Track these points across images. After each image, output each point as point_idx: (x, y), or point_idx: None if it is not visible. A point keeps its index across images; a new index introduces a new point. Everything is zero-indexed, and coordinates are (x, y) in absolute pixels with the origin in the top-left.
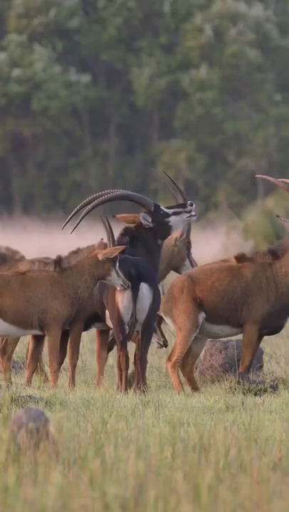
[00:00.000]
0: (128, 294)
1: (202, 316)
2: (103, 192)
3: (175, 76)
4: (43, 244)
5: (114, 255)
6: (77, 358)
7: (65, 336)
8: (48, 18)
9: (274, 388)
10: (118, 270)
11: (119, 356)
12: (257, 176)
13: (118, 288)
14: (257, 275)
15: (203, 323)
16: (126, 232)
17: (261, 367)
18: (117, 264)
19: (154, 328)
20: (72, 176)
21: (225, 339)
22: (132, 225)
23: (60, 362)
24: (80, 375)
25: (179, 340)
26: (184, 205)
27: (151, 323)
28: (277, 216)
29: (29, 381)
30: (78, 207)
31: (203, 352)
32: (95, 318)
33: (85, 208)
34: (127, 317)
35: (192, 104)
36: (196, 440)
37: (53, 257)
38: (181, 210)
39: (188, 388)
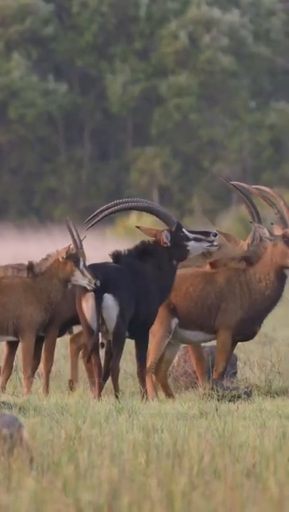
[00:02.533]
0: (91, 303)
1: (175, 321)
2: (129, 199)
3: (149, 82)
4: (17, 251)
5: (74, 256)
6: (52, 364)
7: (39, 342)
8: (23, 26)
9: (248, 394)
10: (83, 269)
11: (93, 364)
12: (231, 182)
13: (88, 288)
14: (231, 281)
15: (176, 329)
16: (141, 245)
17: (235, 373)
18: (81, 263)
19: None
20: (46, 183)
21: (202, 345)
22: (151, 239)
23: (34, 368)
24: (54, 381)
25: (152, 346)
26: (207, 234)
27: (121, 332)
28: (251, 222)
29: (3, 387)
30: (101, 209)
31: (177, 358)
32: (69, 324)
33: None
34: (94, 325)
35: (169, 110)
36: (169, 446)
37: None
38: (203, 237)
39: (162, 394)
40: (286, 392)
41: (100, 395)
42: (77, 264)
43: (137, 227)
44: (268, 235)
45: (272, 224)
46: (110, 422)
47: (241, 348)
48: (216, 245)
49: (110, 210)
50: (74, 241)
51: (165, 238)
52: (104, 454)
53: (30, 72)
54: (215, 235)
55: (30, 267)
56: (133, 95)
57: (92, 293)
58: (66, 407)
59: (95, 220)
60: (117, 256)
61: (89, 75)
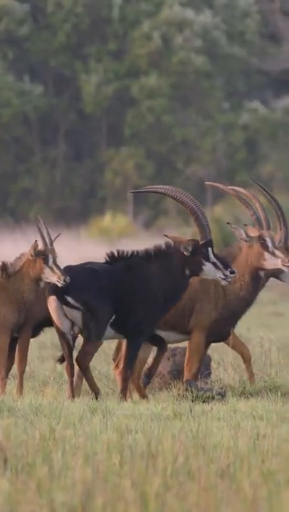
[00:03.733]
0: (53, 305)
1: None
2: (182, 192)
3: (123, 83)
4: None
5: (43, 253)
6: (26, 365)
7: (12, 342)
8: None
9: (222, 395)
10: (52, 266)
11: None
12: (207, 183)
13: (58, 285)
14: (205, 282)
15: None
16: (154, 247)
17: (209, 374)
18: (51, 260)
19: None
20: (21, 183)
21: (172, 346)
22: (168, 244)
23: (8, 369)
24: (28, 381)
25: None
26: (227, 267)
27: (93, 331)
28: (228, 223)
29: None
30: (153, 187)
31: (151, 359)
32: (42, 325)
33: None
34: (61, 327)
35: (142, 111)
36: (143, 447)
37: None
38: (221, 268)
39: (136, 395)
40: (260, 393)
41: (73, 395)
42: (46, 261)
43: (165, 235)
44: (244, 236)
45: (245, 225)
46: (84, 423)
47: (215, 349)
48: (229, 282)
49: (161, 190)
50: (43, 238)
51: (187, 247)
52: (78, 454)
53: (6, 72)
54: (232, 272)
55: (4, 267)
56: (107, 95)
57: (54, 296)
58: (40, 407)
59: (141, 190)
60: (112, 257)
61: (63, 75)
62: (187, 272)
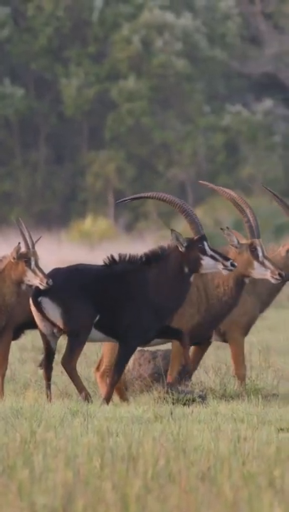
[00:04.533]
0: (33, 307)
1: None
2: (166, 195)
3: (104, 86)
4: None
5: (25, 256)
6: (6, 368)
7: None
8: None
9: (203, 398)
10: (35, 269)
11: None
12: (200, 181)
13: (41, 287)
14: None
15: None
16: (154, 249)
17: (190, 377)
18: (33, 263)
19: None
20: (1, 186)
21: (153, 349)
22: (171, 244)
23: None
24: (8, 384)
25: (106, 349)
26: (227, 259)
27: (74, 333)
28: (222, 229)
29: None
30: (140, 195)
31: (131, 362)
32: (24, 327)
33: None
34: (42, 329)
35: (121, 114)
36: (124, 450)
37: None
38: (221, 259)
39: (116, 398)
40: (241, 396)
41: (50, 397)
42: (28, 264)
43: (172, 230)
44: (235, 242)
45: (227, 228)
46: (65, 426)
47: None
48: (231, 270)
49: (146, 195)
50: (25, 241)
51: (182, 242)
52: (59, 457)
53: None
54: (233, 265)
55: None
56: (87, 99)
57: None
58: (21, 410)
59: (127, 199)
60: (112, 260)
61: (44, 79)
62: (186, 269)
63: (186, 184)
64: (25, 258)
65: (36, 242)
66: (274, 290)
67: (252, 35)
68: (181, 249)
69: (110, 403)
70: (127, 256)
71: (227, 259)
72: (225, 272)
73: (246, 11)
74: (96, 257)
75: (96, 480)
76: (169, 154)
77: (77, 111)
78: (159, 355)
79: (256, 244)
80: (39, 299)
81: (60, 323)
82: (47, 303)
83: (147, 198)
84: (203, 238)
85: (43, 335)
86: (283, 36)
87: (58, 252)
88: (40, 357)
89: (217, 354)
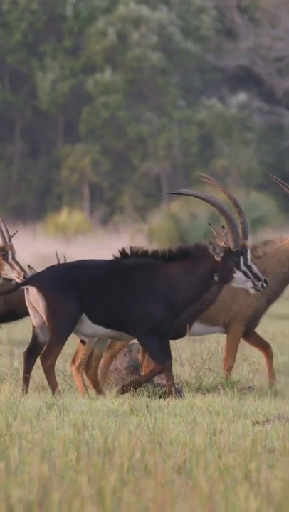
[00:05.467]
0: (27, 299)
1: None
2: (218, 200)
3: (78, 80)
4: None
5: (3, 250)
6: None
7: None
8: None
9: (178, 391)
10: (12, 263)
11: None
12: (200, 174)
13: (18, 281)
14: None
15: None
16: (191, 246)
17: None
18: (10, 256)
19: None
20: None
21: (129, 342)
22: (207, 244)
23: None
24: None
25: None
26: (258, 278)
27: (55, 326)
28: (223, 227)
29: None
30: (192, 192)
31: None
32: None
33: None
34: (34, 320)
35: (97, 107)
36: (100, 443)
37: None
38: (252, 277)
39: (92, 391)
40: (216, 389)
41: (26, 391)
42: (5, 257)
43: (209, 224)
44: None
45: (209, 224)
46: (41, 419)
47: (172, 345)
48: (259, 290)
49: (197, 195)
50: (2, 234)
51: (218, 251)
52: (34, 450)
53: None
54: (263, 287)
55: None
56: (62, 92)
57: (27, 288)
58: None
59: (177, 192)
60: (123, 253)
61: (19, 73)
62: (216, 277)
63: (161, 177)
64: (3, 252)
65: (13, 236)
66: (285, 282)
67: (227, 28)
68: (217, 258)
69: (86, 396)
70: (141, 250)
71: (259, 278)
72: (252, 291)
73: (221, 4)
74: (72, 250)
75: (72, 473)
76: (144, 147)
77: (53, 105)
78: (135, 349)
79: (247, 246)
80: (28, 287)
81: (44, 316)
82: (33, 293)
83: (201, 198)
84: (241, 252)
85: (33, 326)
86: (258, 29)
87: (33, 245)
88: (16, 350)
89: (193, 347)
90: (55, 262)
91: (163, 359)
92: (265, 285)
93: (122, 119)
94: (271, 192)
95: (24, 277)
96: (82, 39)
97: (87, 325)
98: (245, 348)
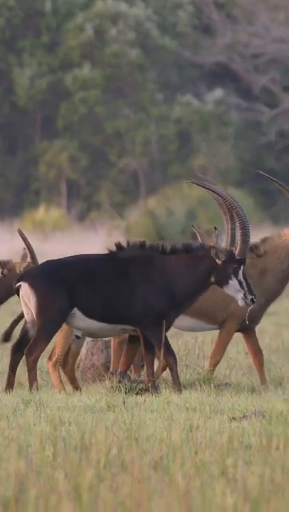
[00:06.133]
0: (20, 294)
1: None
2: (236, 203)
3: (56, 76)
4: None
5: None
6: None
7: None
8: None
9: (155, 388)
10: None
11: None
12: (200, 183)
13: None
14: None
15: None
16: (192, 243)
17: (142, 366)
18: None
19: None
20: None
21: (107, 338)
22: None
23: None
24: None
25: (59, 339)
26: (252, 293)
27: (43, 321)
28: (216, 228)
29: None
30: (214, 187)
31: (84, 351)
32: None
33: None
34: (26, 316)
35: (75, 103)
36: (77, 439)
37: None
38: (245, 290)
39: (69, 387)
40: (193, 385)
41: (10, 387)
42: None
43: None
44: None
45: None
46: (18, 415)
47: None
48: (248, 305)
49: (220, 193)
50: None
51: (220, 254)
52: (11, 446)
53: None
54: (252, 301)
55: None
56: (40, 89)
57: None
58: None
59: (198, 182)
60: (119, 246)
61: None
62: (212, 279)
63: (138, 173)
64: None
65: None
66: (285, 279)
67: (204, 24)
68: (219, 261)
69: (63, 392)
70: (138, 242)
71: (252, 293)
72: (241, 304)
73: (198, 0)
74: (49, 246)
75: (48, 469)
76: (121, 143)
77: (31, 101)
78: (112, 345)
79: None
80: (20, 283)
81: (33, 312)
82: (26, 290)
83: (217, 194)
84: (243, 262)
85: (25, 321)
86: (236, 26)
87: (10, 242)
88: None
89: (171, 343)
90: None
91: (168, 353)
92: (253, 302)
93: (100, 114)
94: (248, 189)
95: (2, 274)
96: (60, 35)
97: (81, 319)
98: None
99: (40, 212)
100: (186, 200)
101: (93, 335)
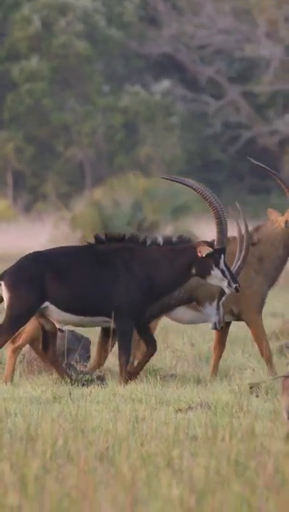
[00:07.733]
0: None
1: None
2: (211, 193)
3: (3, 67)
4: None
5: None
6: None
7: None
8: None
9: (101, 379)
10: None
11: None
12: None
13: None
14: None
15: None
16: (172, 236)
17: (89, 357)
18: None
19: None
20: None
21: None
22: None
23: None
24: None
25: (29, 326)
26: (235, 281)
27: (12, 318)
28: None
29: None
30: (190, 182)
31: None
32: None
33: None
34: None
35: (21, 94)
36: (23, 430)
37: None
38: (229, 278)
39: (16, 378)
40: (139, 377)
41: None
42: None
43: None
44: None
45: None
46: None
47: (92, 332)
48: (233, 292)
49: (192, 185)
50: None
51: (203, 250)
52: None
53: None
54: (237, 290)
55: None
56: None
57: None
58: None
59: (172, 178)
60: (98, 239)
61: None
62: (193, 271)
63: (84, 164)
64: None
65: None
66: (281, 265)
67: (150, 15)
68: (199, 254)
69: (9, 383)
70: (117, 234)
71: (235, 281)
72: (227, 291)
73: None
74: None
75: None
76: (68, 134)
77: None
78: (58, 336)
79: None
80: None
81: (5, 305)
82: (2, 287)
83: (189, 186)
84: (222, 250)
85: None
86: (181, 17)
87: None
88: None
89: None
90: None
91: (150, 344)
92: (237, 290)
93: (47, 106)
94: (194, 179)
95: None
96: (6, 26)
97: (57, 313)
98: (169, 335)
99: (1, 204)
100: (133, 191)
101: (78, 326)
